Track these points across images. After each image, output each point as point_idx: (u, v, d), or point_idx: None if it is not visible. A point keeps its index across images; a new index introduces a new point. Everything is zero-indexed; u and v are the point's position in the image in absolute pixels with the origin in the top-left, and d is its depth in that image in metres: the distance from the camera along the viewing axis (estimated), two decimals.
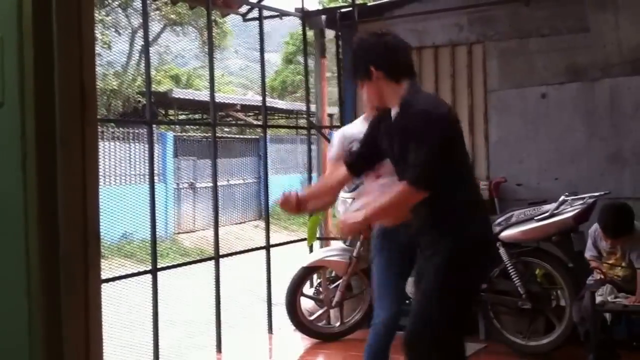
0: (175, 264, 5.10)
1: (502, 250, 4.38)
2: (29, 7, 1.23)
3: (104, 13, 13.38)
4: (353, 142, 3.22)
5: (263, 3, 5.31)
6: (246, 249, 5.49)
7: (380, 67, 2.80)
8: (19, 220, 1.25)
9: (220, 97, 12.79)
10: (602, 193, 4.28)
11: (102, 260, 1.54)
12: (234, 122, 15.23)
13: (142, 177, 11.17)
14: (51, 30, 1.25)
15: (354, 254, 4.72)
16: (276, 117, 16.88)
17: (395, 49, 2.84)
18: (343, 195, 4.70)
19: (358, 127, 3.32)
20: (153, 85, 4.31)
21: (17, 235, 1.25)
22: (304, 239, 5.38)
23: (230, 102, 14.27)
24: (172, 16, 14.84)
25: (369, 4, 6.20)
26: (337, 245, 5.06)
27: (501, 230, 4.40)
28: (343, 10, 5.72)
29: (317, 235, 5.46)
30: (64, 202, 1.28)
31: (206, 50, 6.92)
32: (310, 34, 5.90)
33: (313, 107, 5.99)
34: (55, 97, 1.29)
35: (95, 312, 1.37)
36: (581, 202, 4.24)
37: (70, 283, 1.29)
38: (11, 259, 1.26)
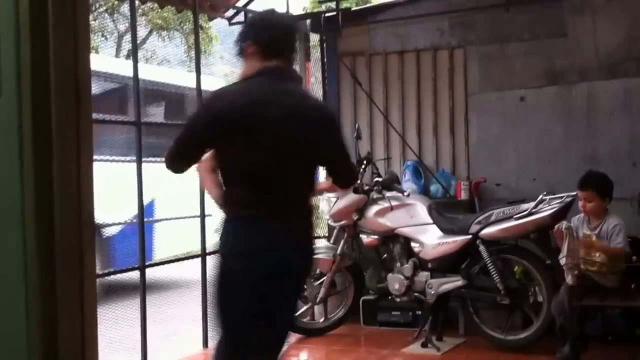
0: (163, 260, 5.16)
1: (482, 248, 4.49)
2: (26, 1, 1.28)
3: (91, 18, 13.35)
4: None
5: (249, 7, 5.40)
6: None
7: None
8: (16, 208, 1.30)
9: None
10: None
11: None
12: None
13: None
14: (47, 25, 1.29)
15: (338, 251, 4.82)
16: None
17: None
18: (327, 194, 4.81)
19: None
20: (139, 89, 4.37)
21: (14, 223, 1.30)
22: None
23: None
24: (158, 21, 14.85)
25: (352, 9, 6.32)
26: (321, 243, 5.16)
27: (481, 229, 4.50)
28: (327, 14, 5.82)
29: None
30: (59, 191, 1.32)
31: (191, 55, 6.92)
32: None
33: None
34: (51, 90, 1.34)
35: (90, 298, 1.41)
36: (559, 201, 4.36)
37: (66, 270, 1.33)
38: (8, 246, 1.31)
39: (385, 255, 4.84)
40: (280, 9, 5.68)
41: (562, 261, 3.89)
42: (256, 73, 2.47)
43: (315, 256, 2.71)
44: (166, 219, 6.80)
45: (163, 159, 2.50)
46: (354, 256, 4.95)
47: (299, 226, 2.50)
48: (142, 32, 15.36)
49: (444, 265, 4.61)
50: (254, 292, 2.40)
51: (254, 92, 2.46)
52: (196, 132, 2.51)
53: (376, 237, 4.79)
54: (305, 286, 2.64)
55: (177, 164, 2.51)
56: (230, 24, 5.59)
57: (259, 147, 2.39)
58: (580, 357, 3.91)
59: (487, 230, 4.49)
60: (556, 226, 4.00)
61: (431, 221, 4.66)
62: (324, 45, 5.83)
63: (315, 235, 2.70)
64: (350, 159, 2.69)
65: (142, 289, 4.25)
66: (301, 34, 5.90)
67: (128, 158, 4.94)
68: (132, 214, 5.46)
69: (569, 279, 3.92)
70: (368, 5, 8.88)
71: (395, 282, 4.65)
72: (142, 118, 4.71)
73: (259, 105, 2.40)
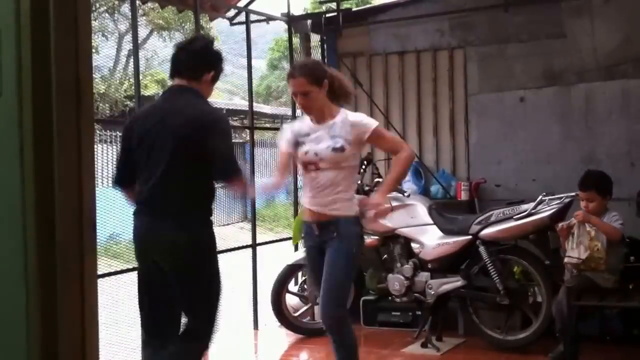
0: None
1: (481, 248, 4.50)
2: (27, 2, 1.26)
3: (91, 18, 13.37)
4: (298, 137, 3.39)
5: (250, 7, 5.42)
6: (233, 247, 5.57)
7: None
8: (16, 208, 1.27)
9: None
10: (578, 193, 4.41)
11: None
12: None
13: None
14: (48, 24, 1.28)
15: None
16: (262, 122, 17.00)
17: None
18: None
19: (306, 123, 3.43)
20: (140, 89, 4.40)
21: (15, 222, 1.27)
22: (289, 238, 5.48)
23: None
24: (159, 21, 14.88)
25: (353, 10, 6.33)
26: None
27: (481, 229, 4.52)
28: (328, 15, 5.84)
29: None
30: (60, 189, 1.30)
31: None
32: (295, 39, 6.01)
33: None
34: (52, 89, 1.33)
35: (90, 297, 1.40)
36: (558, 201, 4.37)
37: (66, 270, 1.30)
38: (9, 245, 1.28)
39: (385, 255, 4.85)
40: (281, 9, 5.72)
41: (570, 260, 3.88)
42: (163, 91, 3.17)
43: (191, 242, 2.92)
44: None
45: None
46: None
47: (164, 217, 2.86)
48: (142, 32, 15.38)
49: (444, 265, 4.62)
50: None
51: (146, 108, 3.21)
52: None
53: (376, 237, 4.79)
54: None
55: None
56: (232, 24, 5.61)
57: (140, 151, 2.92)
58: (577, 358, 3.92)
59: (487, 231, 4.50)
60: (560, 225, 4.00)
61: (431, 222, 4.67)
62: (325, 45, 5.85)
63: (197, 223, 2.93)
64: (227, 160, 2.93)
65: None
66: (302, 34, 5.92)
67: None
68: None
69: (566, 276, 3.93)
70: (368, 6, 8.89)
71: (396, 283, 4.66)
72: None
73: (143, 118, 3.02)
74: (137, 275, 3.09)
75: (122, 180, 3.05)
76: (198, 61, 2.97)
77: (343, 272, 3.27)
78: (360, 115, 3.45)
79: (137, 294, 3.03)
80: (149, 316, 2.99)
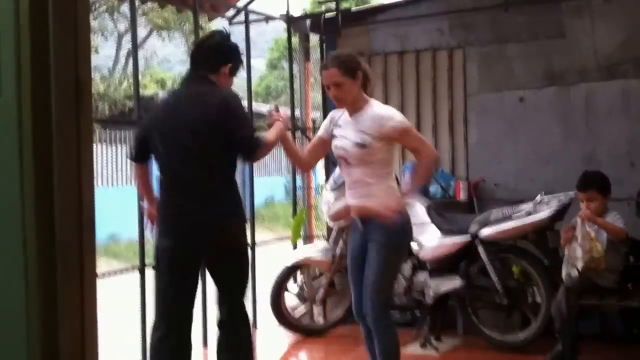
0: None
1: (480, 248, 4.50)
2: (26, 2, 1.28)
3: (91, 18, 13.39)
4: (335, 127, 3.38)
5: (249, 7, 5.42)
6: None
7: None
8: (16, 208, 1.29)
9: None
10: (577, 193, 4.41)
11: None
12: None
13: (128, 179, 11.21)
14: (47, 25, 1.28)
15: (337, 251, 4.83)
16: (261, 121, 17.02)
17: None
18: (326, 195, 4.82)
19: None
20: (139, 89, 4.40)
21: (15, 222, 1.29)
22: (289, 238, 5.48)
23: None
24: (158, 21, 14.87)
25: (352, 10, 6.33)
26: (320, 243, 5.17)
27: (480, 229, 4.52)
28: (327, 15, 5.83)
29: (301, 234, 5.55)
30: (59, 189, 1.31)
31: None
32: (294, 39, 6.01)
33: (297, 111, 6.11)
34: (51, 89, 1.33)
35: (90, 298, 1.41)
36: (557, 201, 4.37)
37: (66, 268, 1.32)
38: (9, 245, 1.30)
39: None
40: (280, 9, 5.72)
41: (576, 262, 3.87)
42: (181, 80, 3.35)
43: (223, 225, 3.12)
44: None
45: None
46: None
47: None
48: (142, 32, 15.38)
49: (443, 265, 4.61)
50: None
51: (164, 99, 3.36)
52: None
53: None
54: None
55: None
56: (231, 24, 5.60)
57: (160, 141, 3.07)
58: (577, 358, 3.92)
59: (486, 231, 4.50)
60: (564, 227, 3.99)
61: (430, 221, 4.66)
62: (324, 45, 5.84)
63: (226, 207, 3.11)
64: (246, 135, 3.09)
65: (142, 290, 4.26)
66: (301, 34, 5.92)
67: None
68: None
69: (565, 275, 3.92)
70: (368, 6, 8.89)
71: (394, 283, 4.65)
72: None
73: (163, 107, 3.19)
74: (160, 262, 3.16)
75: (139, 156, 3.23)
76: (214, 55, 3.16)
77: (377, 272, 3.23)
78: (387, 110, 3.31)
79: (156, 279, 3.15)
80: (175, 301, 3.12)
